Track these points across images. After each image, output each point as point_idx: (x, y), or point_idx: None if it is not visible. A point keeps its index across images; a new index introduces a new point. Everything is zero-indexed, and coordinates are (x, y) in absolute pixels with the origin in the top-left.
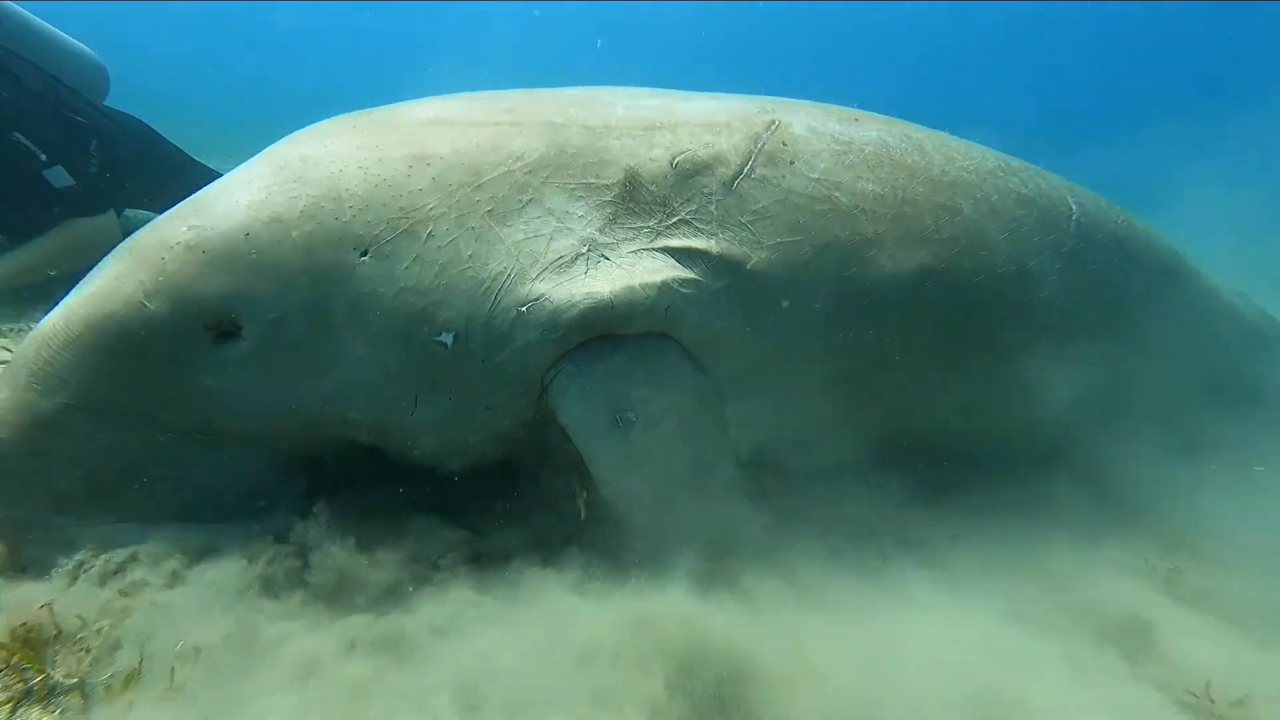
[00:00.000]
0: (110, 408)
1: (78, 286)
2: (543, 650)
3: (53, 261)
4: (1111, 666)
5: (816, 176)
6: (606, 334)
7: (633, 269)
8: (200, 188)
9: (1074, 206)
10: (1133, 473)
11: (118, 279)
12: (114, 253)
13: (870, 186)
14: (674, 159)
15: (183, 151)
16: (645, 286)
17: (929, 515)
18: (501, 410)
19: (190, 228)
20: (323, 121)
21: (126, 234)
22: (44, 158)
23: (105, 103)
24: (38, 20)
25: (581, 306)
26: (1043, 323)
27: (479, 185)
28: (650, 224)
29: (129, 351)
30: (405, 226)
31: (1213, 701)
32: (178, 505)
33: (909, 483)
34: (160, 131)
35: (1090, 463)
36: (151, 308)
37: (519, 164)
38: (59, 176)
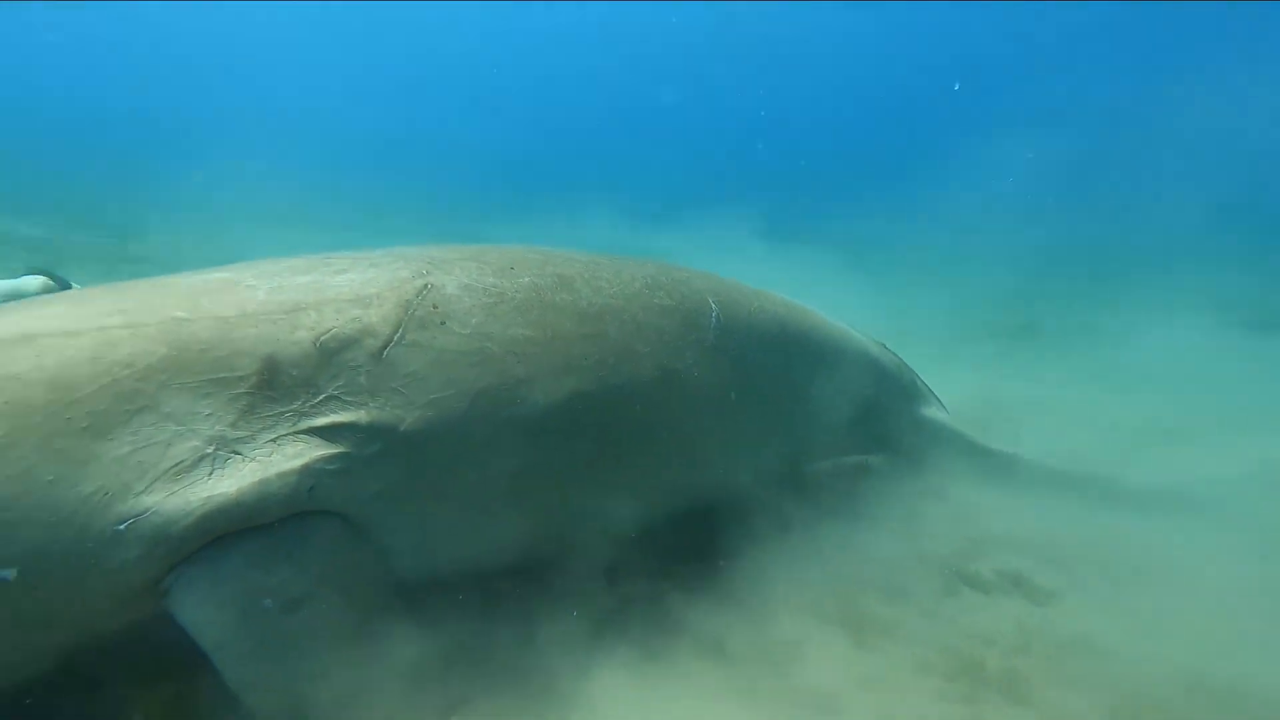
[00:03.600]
0: None
1: None
2: None
3: None
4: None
5: (468, 332)
6: (234, 529)
7: (269, 459)
8: None
9: (713, 306)
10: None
11: None
12: None
13: (521, 331)
14: (317, 339)
15: None
16: (281, 475)
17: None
18: (82, 627)
19: None
20: None
21: None
22: None
23: None
24: None
25: (198, 514)
26: (690, 409)
27: (73, 401)
28: (294, 407)
29: None
30: None
31: None
32: None
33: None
34: None
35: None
36: None
37: (128, 371)
38: None
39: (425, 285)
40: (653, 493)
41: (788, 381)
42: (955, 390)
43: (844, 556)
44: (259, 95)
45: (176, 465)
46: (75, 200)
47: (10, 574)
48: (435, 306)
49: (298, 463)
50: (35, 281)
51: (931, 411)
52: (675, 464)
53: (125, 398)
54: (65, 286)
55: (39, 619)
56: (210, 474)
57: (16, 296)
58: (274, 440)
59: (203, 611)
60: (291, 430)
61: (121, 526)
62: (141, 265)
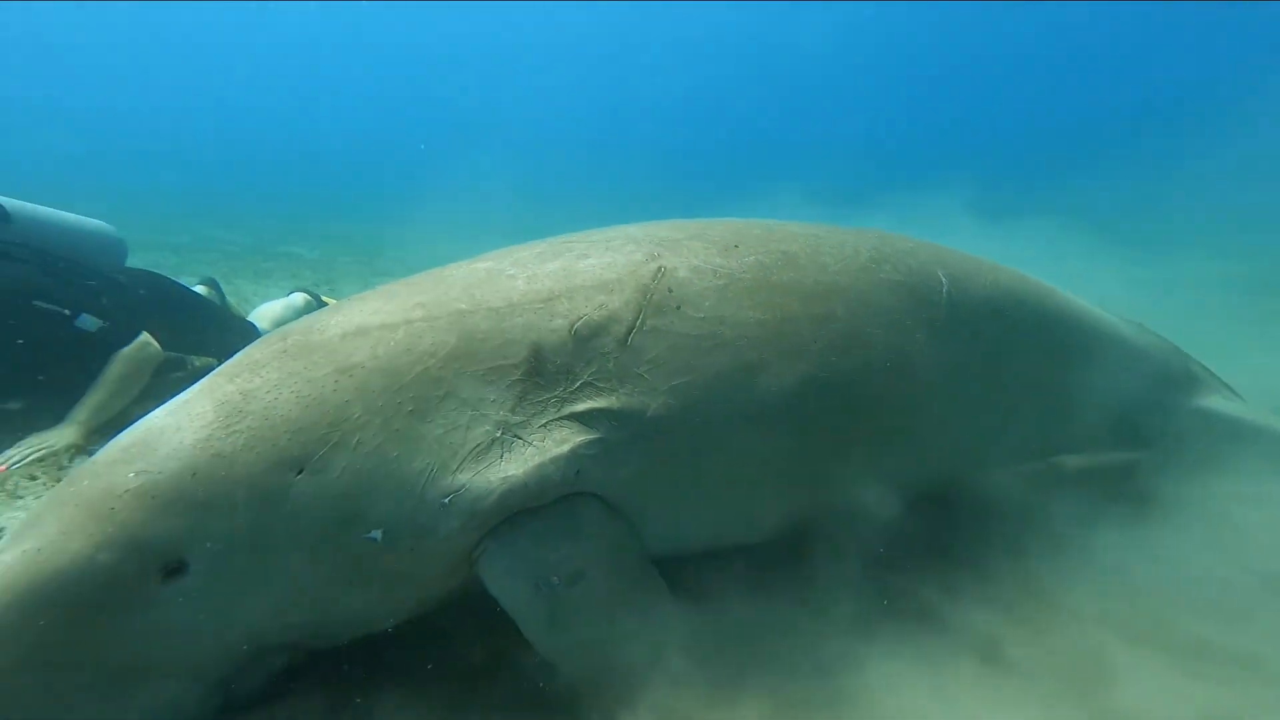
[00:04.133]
0: (60, 661)
1: (13, 539)
2: None
3: (119, 394)
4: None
5: (702, 316)
6: (524, 508)
7: (543, 444)
8: (202, 318)
9: (943, 279)
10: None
11: (63, 535)
12: (53, 502)
13: (751, 314)
14: (572, 326)
15: (191, 290)
16: (554, 460)
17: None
18: (432, 585)
19: (137, 473)
20: (251, 349)
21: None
22: (68, 312)
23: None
24: (42, 209)
25: (498, 492)
26: (923, 394)
27: (400, 387)
28: (556, 393)
29: (82, 605)
30: (335, 439)
31: None
32: None
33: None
34: None
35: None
36: (102, 559)
37: (433, 360)
38: (88, 322)
39: (659, 269)
40: (887, 482)
41: (1028, 363)
42: (1255, 377)
43: (1138, 566)
44: (463, 110)
45: (476, 447)
46: (330, 225)
47: (378, 534)
48: (670, 291)
49: (565, 448)
50: (300, 298)
51: (1220, 401)
52: (908, 453)
53: (434, 384)
54: (320, 302)
55: (396, 576)
56: (501, 457)
57: (291, 309)
58: (544, 426)
59: (504, 583)
60: (556, 416)
61: (446, 500)
62: (387, 279)
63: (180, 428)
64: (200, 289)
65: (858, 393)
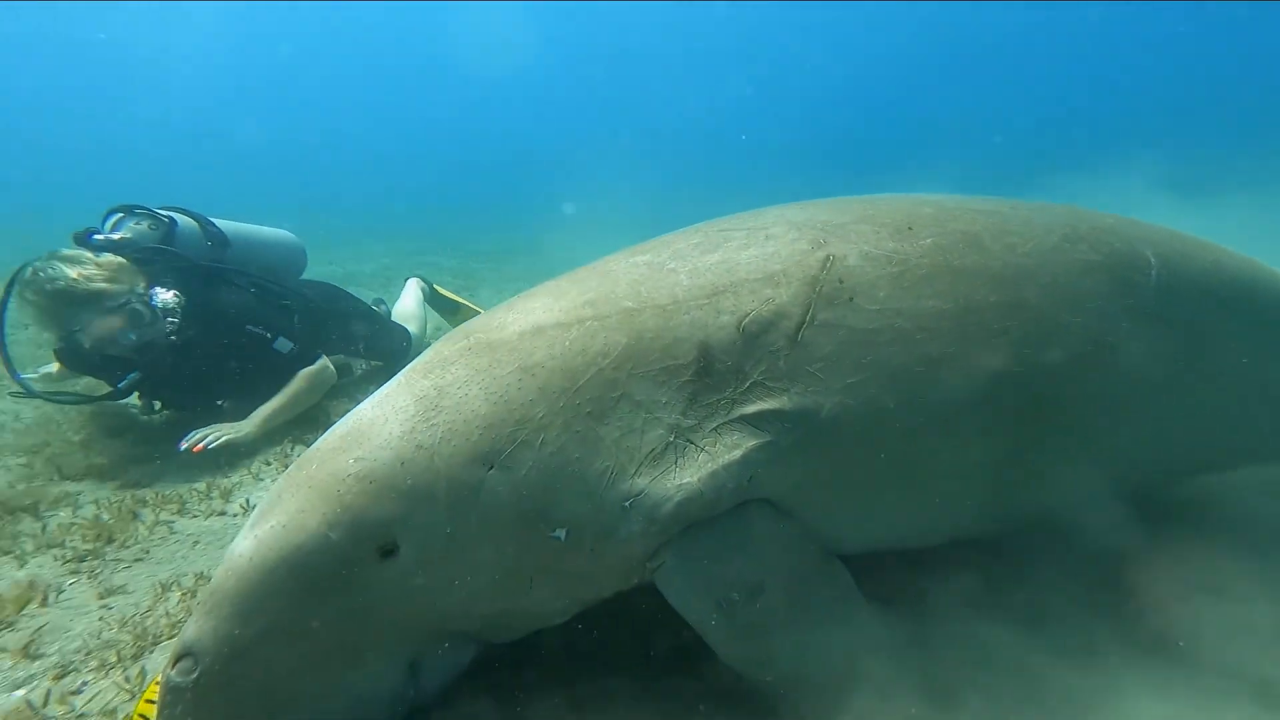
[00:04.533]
0: (299, 633)
1: (260, 515)
2: None
3: (295, 406)
4: None
5: (876, 308)
6: (701, 518)
7: (715, 449)
8: (371, 328)
9: (1151, 260)
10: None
11: (301, 512)
12: (289, 484)
13: (931, 303)
14: (740, 323)
15: (358, 299)
16: (728, 467)
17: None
18: (607, 585)
19: (356, 459)
20: (440, 346)
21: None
22: (269, 335)
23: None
24: (248, 228)
25: (676, 500)
26: (1126, 393)
27: (577, 389)
28: (726, 394)
29: (316, 579)
30: (522, 437)
31: None
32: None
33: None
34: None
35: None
36: (334, 537)
37: (607, 361)
38: (283, 344)
39: (827, 258)
40: (1083, 487)
41: (1255, 359)
42: None
43: None
44: (591, 114)
45: (651, 452)
46: (465, 234)
47: (562, 533)
48: (841, 281)
49: (738, 453)
50: (414, 283)
51: None
52: (1108, 455)
53: (609, 385)
54: (430, 285)
55: (576, 575)
56: (676, 463)
57: (415, 301)
58: (715, 430)
59: (685, 600)
60: (727, 419)
61: (626, 504)
62: (520, 284)
63: (387, 419)
64: (414, 281)
65: (1051, 388)
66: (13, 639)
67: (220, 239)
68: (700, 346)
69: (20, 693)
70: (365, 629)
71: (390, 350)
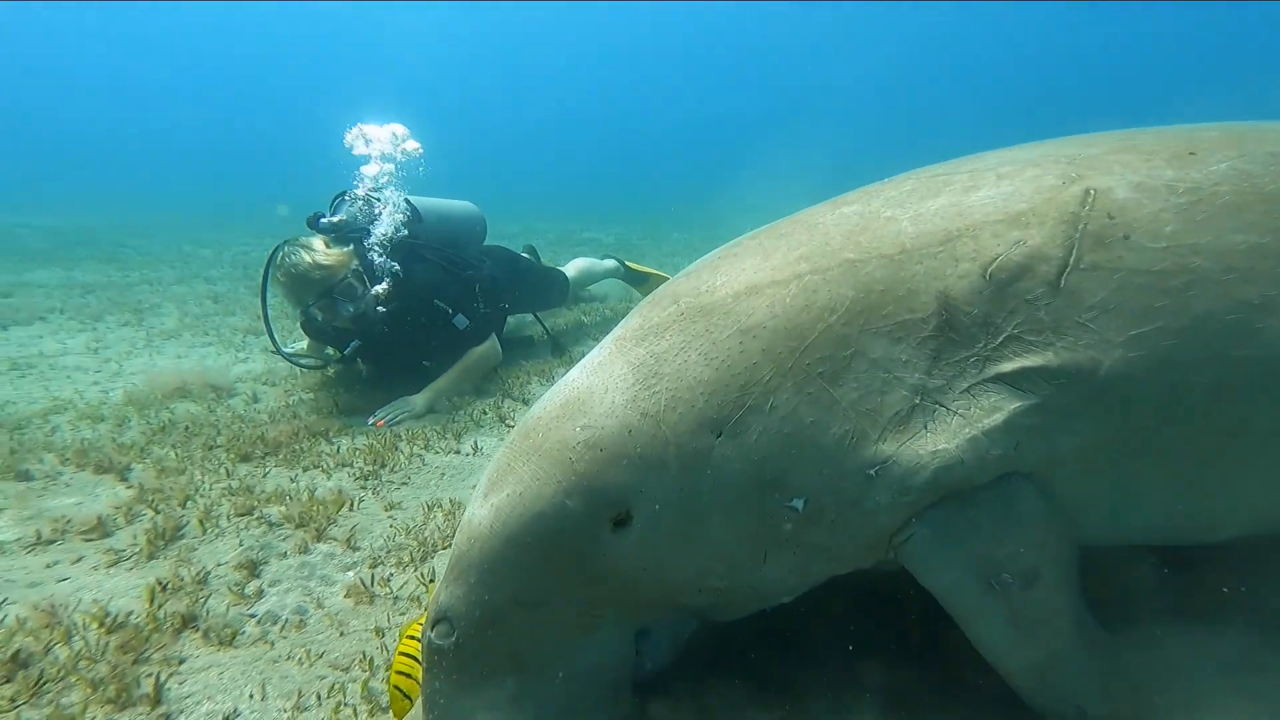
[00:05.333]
0: (541, 600)
1: (492, 484)
2: None
3: (464, 382)
4: None
5: (1162, 245)
6: (957, 490)
7: (970, 413)
8: (547, 288)
9: None
10: None
11: (536, 480)
12: (517, 453)
13: (1240, 238)
14: (986, 269)
15: (532, 260)
16: (989, 432)
17: None
18: (845, 560)
19: (582, 428)
20: (647, 311)
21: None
22: (451, 311)
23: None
24: (437, 202)
25: (931, 468)
26: None
27: (805, 348)
28: (975, 351)
29: (555, 546)
30: (750, 402)
31: None
32: (563, 692)
33: None
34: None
35: None
36: (571, 505)
37: (834, 317)
38: (461, 321)
39: (1087, 192)
40: None
41: None
42: None
43: None
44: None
45: (896, 415)
46: (618, 211)
47: (799, 503)
48: (1110, 217)
49: (999, 417)
50: (610, 263)
51: None
52: None
53: (839, 343)
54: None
55: (813, 549)
56: (925, 427)
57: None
58: (968, 390)
59: (945, 578)
60: (979, 379)
61: (871, 471)
62: (679, 257)
63: (607, 388)
64: (610, 261)
65: None
66: (338, 533)
67: (416, 215)
68: (940, 298)
69: (350, 574)
70: (598, 599)
71: (548, 298)
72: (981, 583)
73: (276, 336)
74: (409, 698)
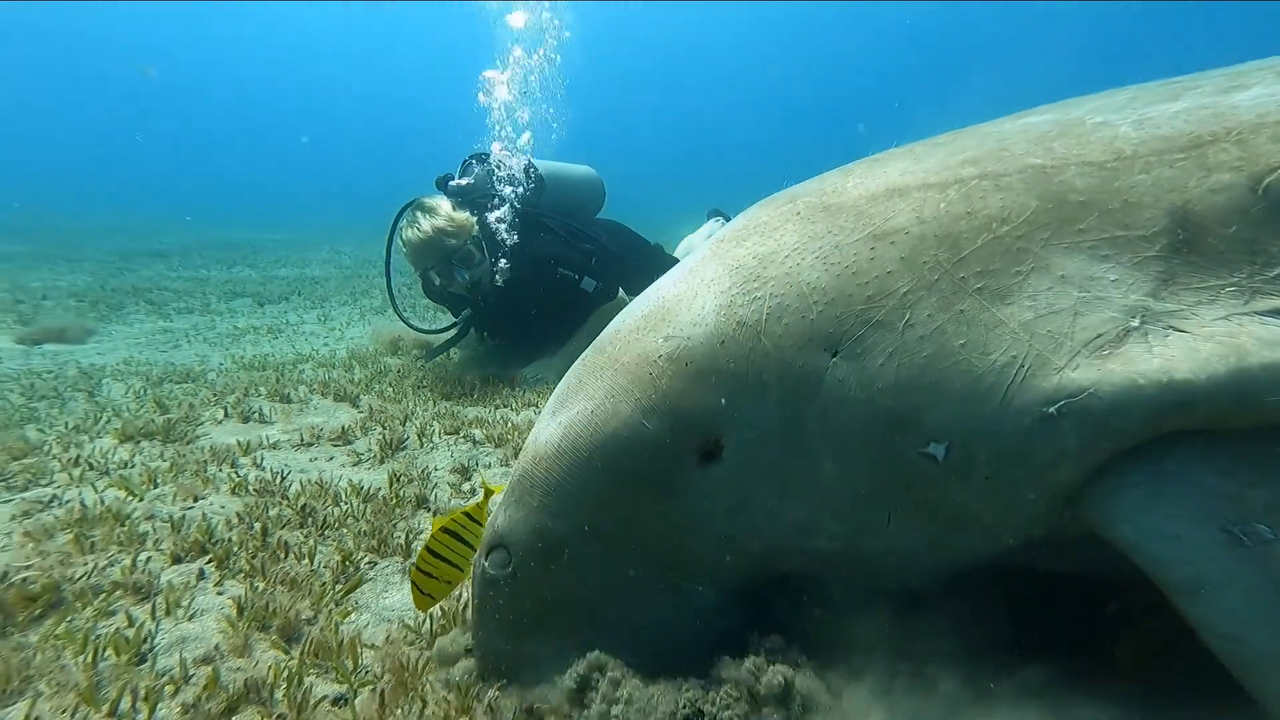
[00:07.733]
0: (613, 534)
1: (561, 401)
2: None
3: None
4: None
5: None
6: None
7: (1235, 339)
8: (654, 265)
9: None
10: None
11: (611, 397)
12: (589, 366)
13: None
14: (1259, 184)
15: (640, 235)
16: (1266, 365)
17: None
18: (1004, 532)
19: (666, 339)
20: (754, 212)
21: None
22: (576, 277)
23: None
24: (560, 166)
25: (1152, 391)
26: None
27: (959, 259)
28: (1235, 280)
29: (632, 475)
30: (877, 317)
31: None
32: (631, 644)
33: None
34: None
35: None
36: (650, 426)
37: (1005, 227)
38: (588, 283)
39: None
40: None
41: None
42: None
43: None
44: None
45: (1096, 338)
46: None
47: (940, 450)
48: None
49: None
50: (714, 224)
51: None
52: None
53: (1011, 256)
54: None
55: (958, 513)
56: (1150, 350)
57: (703, 236)
58: (1223, 319)
59: (1160, 528)
60: (1243, 310)
61: (1051, 409)
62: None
63: (697, 294)
64: (716, 221)
65: None
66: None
67: (540, 184)
68: (1175, 213)
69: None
70: (680, 546)
71: (655, 277)
72: (1216, 527)
73: (398, 301)
74: (430, 595)
